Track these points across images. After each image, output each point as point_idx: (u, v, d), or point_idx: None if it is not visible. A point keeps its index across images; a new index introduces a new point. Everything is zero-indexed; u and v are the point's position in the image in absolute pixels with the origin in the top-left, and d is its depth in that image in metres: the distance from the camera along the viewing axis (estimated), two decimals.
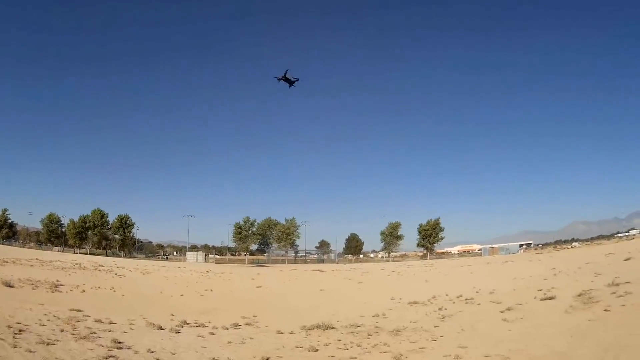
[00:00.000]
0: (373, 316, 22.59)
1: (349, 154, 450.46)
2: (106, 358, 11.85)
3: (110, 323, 18.13)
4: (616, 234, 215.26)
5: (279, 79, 53.95)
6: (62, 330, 15.66)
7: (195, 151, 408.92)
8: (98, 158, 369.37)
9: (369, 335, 17.45)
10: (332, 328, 18.49)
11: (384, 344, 15.71)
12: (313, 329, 18.23)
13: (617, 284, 25.09)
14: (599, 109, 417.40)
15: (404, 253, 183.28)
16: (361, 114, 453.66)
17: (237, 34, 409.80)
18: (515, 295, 27.75)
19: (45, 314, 18.44)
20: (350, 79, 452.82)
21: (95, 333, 15.58)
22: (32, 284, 30.07)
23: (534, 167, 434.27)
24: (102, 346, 13.54)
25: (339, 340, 16.34)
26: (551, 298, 24.43)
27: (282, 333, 17.60)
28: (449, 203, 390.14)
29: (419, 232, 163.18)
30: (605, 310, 18.59)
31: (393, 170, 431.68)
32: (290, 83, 53.91)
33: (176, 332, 16.79)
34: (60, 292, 29.51)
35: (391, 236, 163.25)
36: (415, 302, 27.71)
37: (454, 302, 27.19)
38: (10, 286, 26.41)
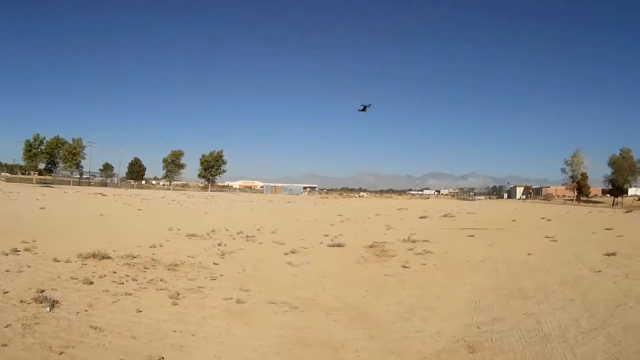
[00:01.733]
0: (150, 247, 22.01)
1: (137, 75, 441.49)
2: None
3: None
4: (409, 190, 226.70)
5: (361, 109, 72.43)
6: None
7: None
8: None
9: (145, 268, 16.90)
10: (109, 258, 17.72)
11: (161, 280, 15.28)
12: (89, 257, 17.33)
13: (414, 241, 26.15)
14: (404, 69, 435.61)
15: (185, 183, 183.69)
16: (151, 37, 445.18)
17: None
18: (300, 238, 28.35)
19: None
20: None
21: None
22: None
23: (322, 112, 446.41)
24: None
25: (115, 273, 15.67)
26: (339, 245, 25.01)
27: (59, 261, 16.66)
28: (236, 138, 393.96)
29: (201, 163, 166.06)
30: (404, 267, 19.19)
31: (180, 98, 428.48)
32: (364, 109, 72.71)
33: None
34: None
35: (173, 164, 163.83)
36: (194, 235, 27.40)
37: (234, 239, 27.19)
38: None
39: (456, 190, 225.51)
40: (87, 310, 11.42)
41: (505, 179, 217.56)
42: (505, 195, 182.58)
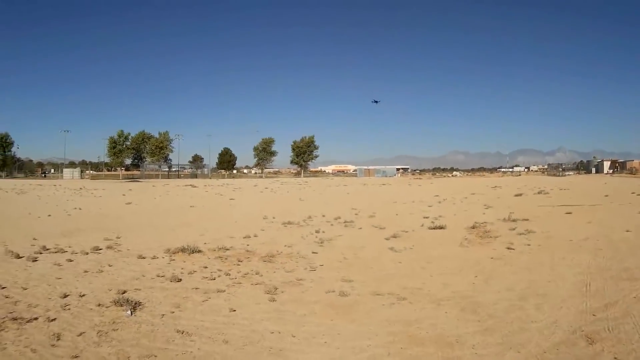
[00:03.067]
0: (244, 237, 21.17)
1: (222, 66, 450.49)
2: None
3: None
4: (499, 168, 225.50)
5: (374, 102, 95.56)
6: None
7: (68, 63, 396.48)
8: None
9: (239, 261, 16.02)
10: (199, 251, 17.07)
11: (256, 273, 14.24)
12: (178, 252, 16.81)
13: (514, 220, 25.12)
14: (491, 47, 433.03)
15: (277, 170, 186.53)
16: (238, 26, 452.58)
17: None
18: (399, 221, 27.21)
19: None
20: None
21: None
22: None
23: (412, 92, 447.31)
24: None
25: (206, 268, 14.89)
26: (441, 227, 23.79)
27: (144, 258, 16.11)
28: (325, 122, 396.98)
29: (293, 149, 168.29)
30: (508, 249, 18.00)
31: (267, 86, 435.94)
32: (375, 102, 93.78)
33: (33, 261, 15.07)
34: None
35: (264, 152, 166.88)
36: (289, 223, 26.56)
37: (332, 225, 26.22)
38: None
39: (545, 167, 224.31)
40: (173, 312, 10.51)
41: (590, 154, 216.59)
42: (593, 169, 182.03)
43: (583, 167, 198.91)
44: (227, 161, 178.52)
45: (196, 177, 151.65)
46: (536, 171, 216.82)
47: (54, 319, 9.52)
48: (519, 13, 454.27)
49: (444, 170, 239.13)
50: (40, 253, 16.53)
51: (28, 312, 9.91)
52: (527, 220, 25.32)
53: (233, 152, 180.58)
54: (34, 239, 19.95)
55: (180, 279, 13.25)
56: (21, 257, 15.70)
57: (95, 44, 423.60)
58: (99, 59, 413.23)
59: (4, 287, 11.75)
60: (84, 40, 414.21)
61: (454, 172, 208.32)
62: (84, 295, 11.15)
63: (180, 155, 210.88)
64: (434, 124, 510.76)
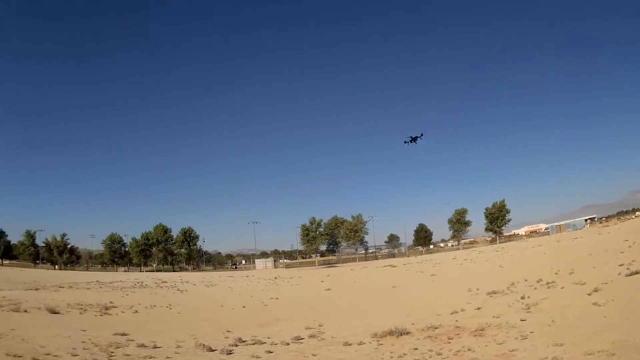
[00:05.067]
0: (451, 313, 20.67)
1: (403, 146, 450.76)
2: None
3: (155, 347, 16.51)
4: None
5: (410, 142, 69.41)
6: None
7: (253, 156, 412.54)
8: (155, 174, 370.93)
9: (449, 338, 15.39)
10: (407, 333, 16.45)
11: (468, 349, 13.67)
12: (385, 336, 16.22)
13: None
14: None
15: (472, 239, 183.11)
16: (418, 102, 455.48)
17: None
18: (597, 273, 25.84)
19: (83, 341, 16.78)
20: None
21: None
22: (81, 308, 28.42)
23: (589, 140, 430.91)
24: None
25: (416, 349, 14.22)
26: (637, 273, 22.38)
27: (350, 345, 15.58)
28: (508, 184, 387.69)
29: (486, 216, 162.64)
30: None
31: (453, 157, 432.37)
32: (415, 140, 69.58)
33: (228, 354, 15.01)
34: (110, 314, 27.91)
35: (459, 223, 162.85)
36: (494, 292, 25.82)
37: (535, 288, 25.23)
38: (55, 312, 24.81)
39: None
40: None
41: None
42: None
43: None
44: (423, 237, 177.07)
45: (394, 257, 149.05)
46: None
47: None
48: None
49: (627, 212, 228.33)
50: (236, 345, 16.56)
51: None
52: None
53: (427, 226, 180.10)
54: (228, 331, 20.45)
55: None
56: (214, 350, 15.71)
57: (275, 133, 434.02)
58: (282, 146, 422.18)
59: None
60: (261, 130, 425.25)
61: (637, 213, 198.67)
62: None
63: (375, 236, 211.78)
64: (609, 167, 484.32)
